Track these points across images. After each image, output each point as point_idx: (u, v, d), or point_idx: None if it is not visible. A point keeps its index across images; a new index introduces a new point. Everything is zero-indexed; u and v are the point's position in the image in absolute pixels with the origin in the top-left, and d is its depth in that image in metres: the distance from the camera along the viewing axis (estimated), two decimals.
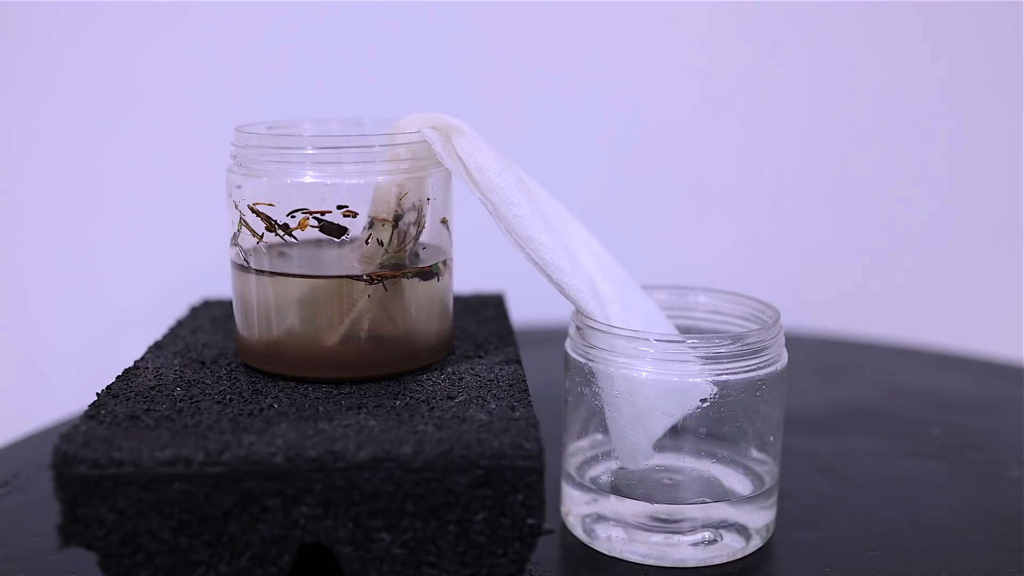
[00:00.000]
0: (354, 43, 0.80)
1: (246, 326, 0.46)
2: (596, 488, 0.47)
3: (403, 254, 0.45)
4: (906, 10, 0.85)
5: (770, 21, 0.84)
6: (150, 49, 0.79)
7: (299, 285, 0.45)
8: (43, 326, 0.82)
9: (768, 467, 0.47)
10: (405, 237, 0.45)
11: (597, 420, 0.47)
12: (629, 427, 0.45)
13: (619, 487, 0.46)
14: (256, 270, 0.45)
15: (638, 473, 0.47)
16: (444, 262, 0.47)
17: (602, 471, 0.48)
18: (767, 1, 0.84)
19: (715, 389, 0.44)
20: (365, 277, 0.44)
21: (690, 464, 0.47)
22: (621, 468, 0.47)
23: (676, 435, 0.45)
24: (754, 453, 0.47)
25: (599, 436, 0.48)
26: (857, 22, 0.85)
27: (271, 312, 0.45)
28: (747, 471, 0.47)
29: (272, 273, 0.45)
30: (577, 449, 0.48)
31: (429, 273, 0.46)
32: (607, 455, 0.48)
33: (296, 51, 0.80)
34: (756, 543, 0.47)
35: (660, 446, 0.46)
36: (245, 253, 0.46)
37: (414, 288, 0.46)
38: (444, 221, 0.47)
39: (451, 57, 0.82)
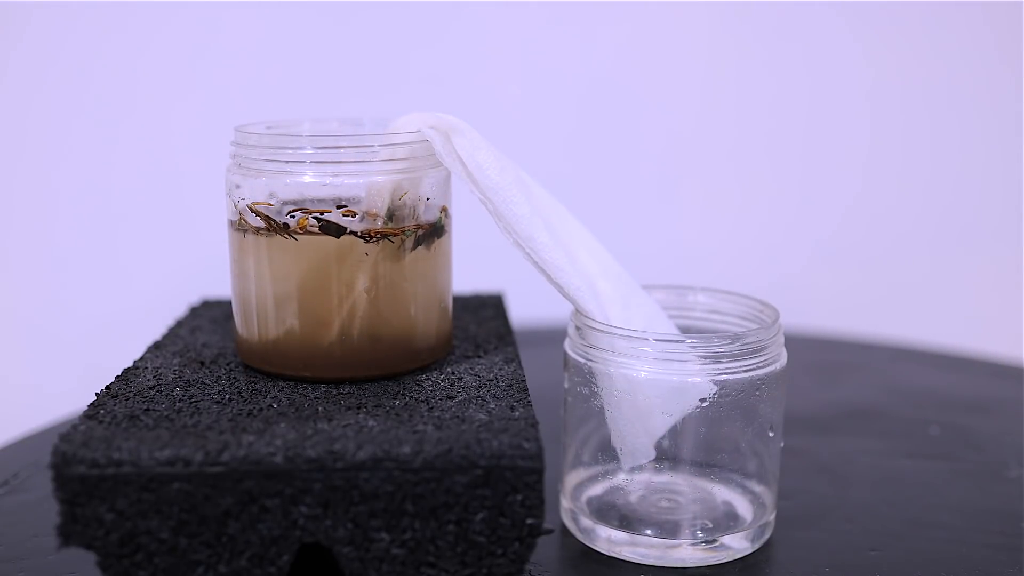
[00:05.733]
0: (354, 43, 0.80)
1: (242, 307, 0.46)
2: (594, 517, 0.47)
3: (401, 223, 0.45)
4: (908, 8, 0.85)
5: (769, 20, 0.84)
6: (150, 49, 0.79)
7: (297, 249, 0.44)
8: (42, 326, 0.82)
9: (767, 481, 0.47)
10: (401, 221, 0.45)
11: (595, 437, 0.47)
12: (629, 426, 0.45)
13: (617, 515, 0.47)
14: (254, 229, 0.44)
15: (636, 499, 0.47)
16: (444, 209, 0.47)
17: (600, 492, 0.48)
18: (766, 0, 0.84)
19: (714, 388, 0.44)
20: (361, 234, 0.43)
21: (688, 483, 0.47)
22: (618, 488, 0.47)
23: (676, 448, 0.45)
24: (752, 464, 0.47)
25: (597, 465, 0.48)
26: (857, 21, 0.85)
27: (269, 284, 0.44)
28: (745, 487, 0.47)
29: (270, 232, 0.44)
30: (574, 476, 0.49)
31: (433, 230, 0.45)
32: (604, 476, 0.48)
33: (296, 51, 0.80)
34: (756, 543, 0.47)
35: (659, 465, 0.46)
36: (242, 213, 0.45)
37: (413, 272, 0.45)
38: (444, 210, 0.47)
39: (450, 57, 0.82)
